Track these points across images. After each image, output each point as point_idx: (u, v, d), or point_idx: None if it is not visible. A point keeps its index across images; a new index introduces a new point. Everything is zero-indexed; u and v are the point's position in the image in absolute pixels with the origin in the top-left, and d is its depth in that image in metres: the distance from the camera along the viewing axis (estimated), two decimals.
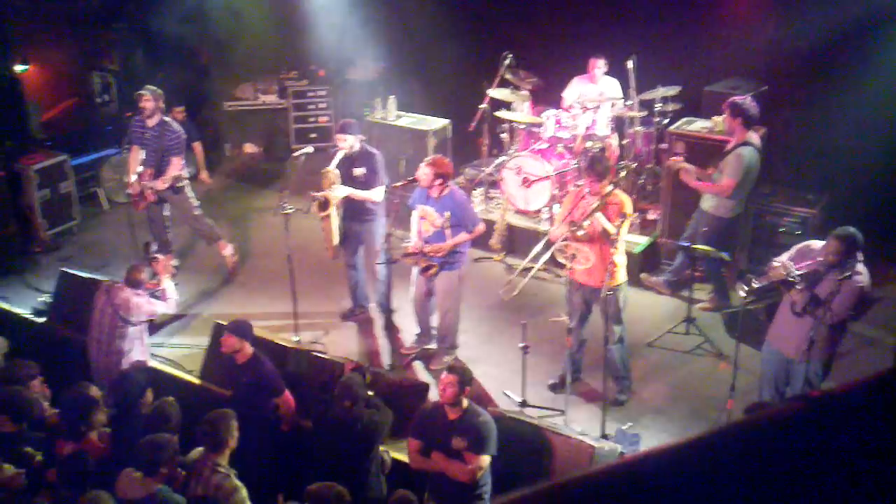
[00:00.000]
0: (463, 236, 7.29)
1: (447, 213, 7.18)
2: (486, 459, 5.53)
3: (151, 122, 8.68)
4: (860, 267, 5.84)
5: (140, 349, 7.16)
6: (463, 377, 5.56)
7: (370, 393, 6.05)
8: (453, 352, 7.71)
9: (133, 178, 8.74)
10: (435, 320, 7.74)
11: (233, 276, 9.24)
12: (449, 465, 5.55)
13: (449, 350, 7.70)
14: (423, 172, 7.24)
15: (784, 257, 6.13)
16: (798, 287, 5.82)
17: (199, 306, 8.78)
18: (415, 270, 7.54)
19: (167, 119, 8.78)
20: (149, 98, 8.61)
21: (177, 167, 8.73)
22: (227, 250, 9.29)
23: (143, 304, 7.08)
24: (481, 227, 7.45)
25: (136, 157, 8.77)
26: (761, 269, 6.08)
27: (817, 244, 6.08)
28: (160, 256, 7.50)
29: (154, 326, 8.20)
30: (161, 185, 8.68)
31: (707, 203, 7.96)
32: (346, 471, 5.71)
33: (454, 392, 5.52)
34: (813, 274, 5.87)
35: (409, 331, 8.05)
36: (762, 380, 6.54)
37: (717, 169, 7.79)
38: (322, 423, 6.00)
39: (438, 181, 7.21)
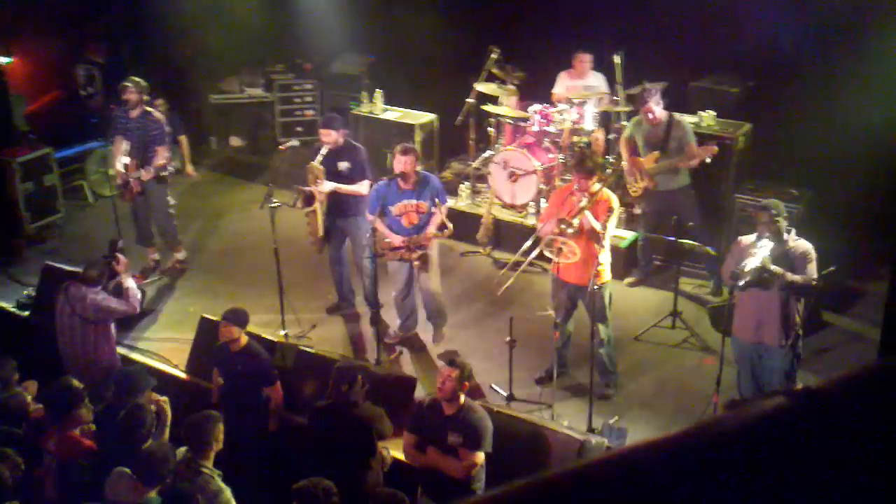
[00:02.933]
0: (438, 217, 7.40)
1: (437, 200, 7.31)
2: (480, 456, 5.49)
3: (134, 114, 8.71)
4: (794, 234, 6.27)
5: (107, 348, 6.99)
6: (463, 372, 5.51)
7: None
8: (443, 323, 7.85)
9: (119, 167, 8.75)
10: (423, 298, 7.79)
11: (165, 274, 9.19)
12: (443, 461, 5.50)
13: (444, 322, 7.84)
14: (408, 161, 7.26)
15: (726, 267, 6.38)
16: (746, 276, 6.02)
17: (185, 300, 8.75)
18: (392, 264, 7.55)
19: (150, 109, 8.78)
20: (132, 90, 8.63)
21: (162, 157, 8.73)
22: (181, 254, 9.31)
23: (98, 302, 6.86)
24: (449, 202, 7.74)
25: (120, 148, 8.79)
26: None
27: (745, 238, 6.32)
28: (121, 256, 7.30)
29: (139, 321, 8.18)
30: (146, 174, 8.68)
31: (674, 182, 8.14)
32: (345, 460, 5.67)
33: (453, 387, 5.47)
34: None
35: (394, 324, 8.03)
36: (739, 376, 6.63)
37: (666, 152, 8.05)
38: (319, 410, 5.93)
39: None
